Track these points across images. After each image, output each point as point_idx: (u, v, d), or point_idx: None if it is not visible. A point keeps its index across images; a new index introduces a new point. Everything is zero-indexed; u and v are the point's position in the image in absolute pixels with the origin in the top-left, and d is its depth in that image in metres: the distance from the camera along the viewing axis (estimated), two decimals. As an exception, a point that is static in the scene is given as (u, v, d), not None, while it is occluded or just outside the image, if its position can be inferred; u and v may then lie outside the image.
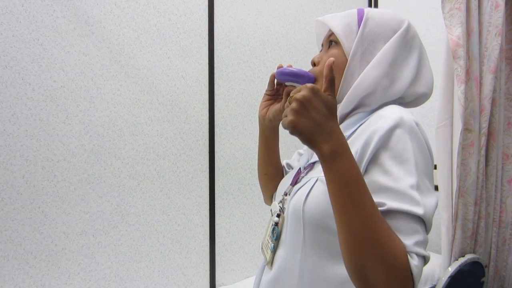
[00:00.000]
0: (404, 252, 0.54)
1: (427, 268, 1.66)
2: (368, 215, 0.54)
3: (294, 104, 0.57)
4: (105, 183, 1.49)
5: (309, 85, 0.57)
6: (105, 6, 1.49)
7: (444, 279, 1.46)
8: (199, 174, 1.75)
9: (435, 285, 1.52)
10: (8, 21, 1.29)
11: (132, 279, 1.56)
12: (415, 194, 0.57)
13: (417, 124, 0.62)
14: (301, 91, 0.57)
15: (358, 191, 0.55)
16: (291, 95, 0.59)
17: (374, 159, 0.61)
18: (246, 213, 1.90)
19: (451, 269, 1.47)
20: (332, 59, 0.60)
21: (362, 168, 0.62)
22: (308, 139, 0.57)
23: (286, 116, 0.58)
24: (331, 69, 0.59)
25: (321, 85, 0.75)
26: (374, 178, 0.60)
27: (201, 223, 1.75)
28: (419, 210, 0.56)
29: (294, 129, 0.57)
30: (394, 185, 0.58)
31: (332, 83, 0.60)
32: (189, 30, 1.71)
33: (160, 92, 1.63)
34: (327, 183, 0.57)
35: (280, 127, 0.89)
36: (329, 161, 0.56)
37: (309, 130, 0.56)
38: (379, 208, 0.57)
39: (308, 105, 0.56)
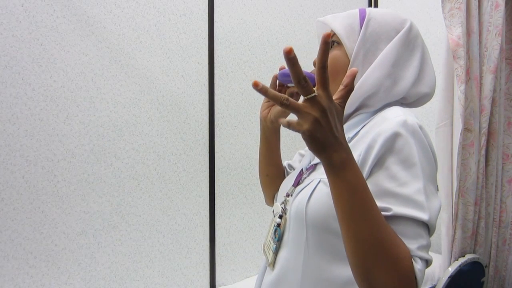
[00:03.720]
0: (408, 257, 0.55)
1: (427, 268, 1.66)
2: (374, 222, 0.54)
3: (315, 112, 0.51)
4: (105, 183, 1.49)
5: (327, 93, 0.52)
6: (105, 6, 1.49)
7: (444, 279, 1.46)
8: (199, 174, 1.74)
9: (435, 285, 1.52)
10: (8, 21, 1.29)
11: (132, 279, 1.56)
12: (421, 199, 0.57)
13: (420, 127, 0.62)
14: (321, 100, 0.51)
15: (366, 198, 0.55)
16: (306, 97, 0.52)
17: (379, 163, 0.61)
18: (246, 213, 1.89)
19: (451, 269, 1.47)
20: (355, 69, 0.56)
21: (366, 171, 0.62)
22: (320, 149, 0.54)
23: (301, 119, 0.52)
24: (353, 78, 0.55)
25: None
26: (380, 183, 0.60)
27: (201, 223, 1.75)
28: (424, 216, 0.57)
29: (310, 138, 0.52)
30: (400, 190, 0.58)
31: (349, 93, 0.55)
32: (189, 30, 1.71)
33: (160, 92, 1.63)
34: (333, 191, 0.56)
35: (282, 127, 0.89)
36: (339, 170, 0.54)
37: (323, 140, 0.52)
38: (385, 213, 0.57)
39: (326, 116, 0.52)
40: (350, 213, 0.55)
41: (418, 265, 0.55)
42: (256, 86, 0.50)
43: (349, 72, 0.55)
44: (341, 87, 0.55)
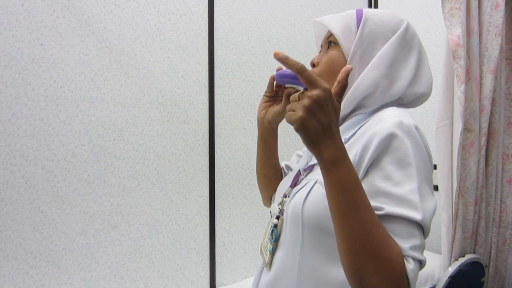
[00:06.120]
0: (400, 256, 0.55)
1: (427, 268, 1.66)
2: (367, 220, 0.54)
3: (306, 101, 0.53)
4: (105, 183, 1.49)
5: (325, 85, 0.54)
6: (105, 6, 1.49)
7: (444, 279, 1.46)
8: (199, 174, 1.75)
9: (435, 285, 1.52)
10: (8, 21, 1.29)
11: (132, 279, 1.56)
12: (415, 198, 0.57)
13: (416, 128, 0.62)
14: (316, 90, 0.53)
15: (357, 196, 0.55)
16: (303, 92, 0.55)
17: (374, 163, 0.61)
18: (246, 213, 1.90)
19: (451, 269, 1.47)
20: (350, 66, 0.58)
21: (361, 172, 0.62)
22: (312, 141, 0.54)
23: (293, 110, 0.54)
24: (347, 75, 0.57)
25: None
26: (374, 182, 0.60)
27: (201, 223, 1.75)
28: (417, 216, 0.57)
29: (302, 127, 0.53)
30: (394, 190, 0.58)
31: (344, 89, 0.57)
32: (189, 30, 1.71)
33: (160, 92, 1.63)
34: (326, 188, 0.57)
35: (279, 128, 0.89)
36: (330, 167, 0.55)
37: (315, 131, 0.53)
38: (378, 212, 0.57)
39: (320, 106, 0.53)
40: (341, 211, 0.55)
41: (410, 265, 0.55)
42: (276, 55, 0.54)
43: (343, 68, 0.57)
44: (335, 83, 0.57)
